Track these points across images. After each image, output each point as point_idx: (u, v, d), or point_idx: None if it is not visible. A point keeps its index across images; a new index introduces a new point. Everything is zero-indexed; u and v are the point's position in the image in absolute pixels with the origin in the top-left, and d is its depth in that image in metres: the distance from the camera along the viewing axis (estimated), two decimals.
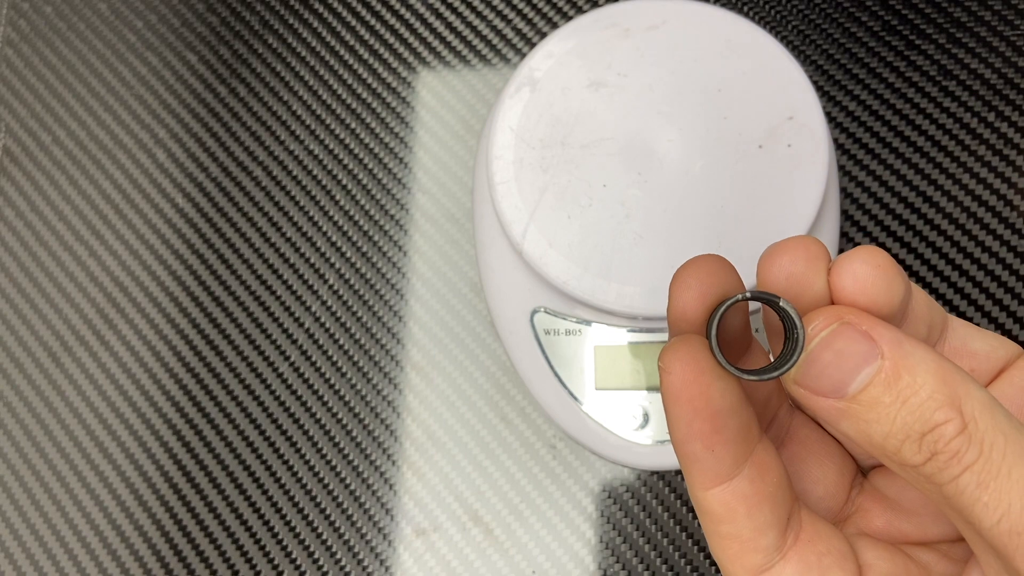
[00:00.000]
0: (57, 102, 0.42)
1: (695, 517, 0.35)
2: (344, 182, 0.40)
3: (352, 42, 0.41)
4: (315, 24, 0.42)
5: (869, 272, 0.16)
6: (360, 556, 0.36)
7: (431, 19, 0.41)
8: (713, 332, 0.17)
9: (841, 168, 0.38)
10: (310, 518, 0.37)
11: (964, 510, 0.15)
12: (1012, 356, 0.18)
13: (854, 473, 0.21)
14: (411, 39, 0.41)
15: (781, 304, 0.16)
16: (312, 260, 0.39)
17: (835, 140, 0.38)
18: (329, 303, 0.39)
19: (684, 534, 0.35)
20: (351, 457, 0.37)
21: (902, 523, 0.19)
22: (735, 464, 0.17)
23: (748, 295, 0.16)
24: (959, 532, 0.19)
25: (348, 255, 0.39)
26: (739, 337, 0.19)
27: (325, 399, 0.38)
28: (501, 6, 0.41)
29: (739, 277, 0.18)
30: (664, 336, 0.34)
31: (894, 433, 0.15)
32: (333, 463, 0.37)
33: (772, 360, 0.18)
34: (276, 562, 0.36)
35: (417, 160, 0.40)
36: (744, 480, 0.17)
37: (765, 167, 0.32)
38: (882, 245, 0.37)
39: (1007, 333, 0.36)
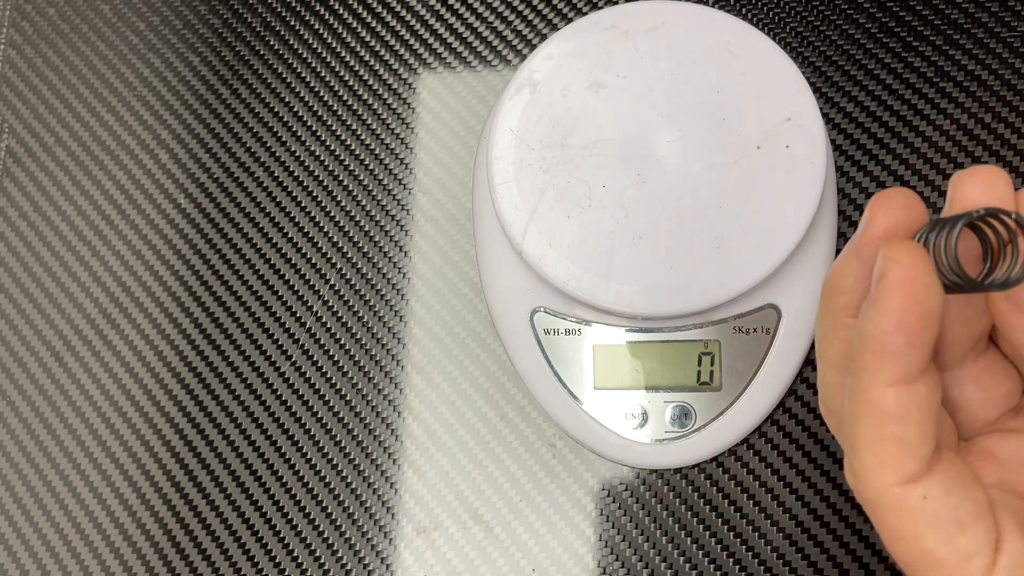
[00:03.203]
0: (60, 103, 0.42)
1: (694, 515, 0.36)
2: (345, 183, 0.40)
3: (353, 44, 0.42)
4: (316, 26, 0.42)
5: None
6: (361, 554, 0.37)
7: (432, 21, 0.42)
8: (955, 239, 0.17)
9: (839, 169, 0.38)
10: (312, 516, 0.37)
11: None
12: None
13: (957, 437, 0.21)
14: (412, 41, 0.42)
15: (1015, 216, 0.17)
16: (314, 260, 0.39)
17: (832, 141, 0.38)
18: (331, 303, 0.39)
19: (683, 532, 0.36)
20: (352, 456, 0.37)
21: (1015, 480, 0.20)
22: (922, 368, 0.17)
23: (983, 212, 0.17)
24: None
25: (349, 255, 0.39)
26: None
27: (327, 398, 0.38)
28: (501, 8, 0.41)
29: (926, 210, 0.19)
30: (663, 336, 0.34)
31: None
32: (334, 461, 0.37)
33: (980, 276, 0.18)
34: (278, 560, 0.37)
35: (418, 161, 0.40)
36: (924, 386, 0.17)
37: (763, 168, 0.32)
38: None
39: None
